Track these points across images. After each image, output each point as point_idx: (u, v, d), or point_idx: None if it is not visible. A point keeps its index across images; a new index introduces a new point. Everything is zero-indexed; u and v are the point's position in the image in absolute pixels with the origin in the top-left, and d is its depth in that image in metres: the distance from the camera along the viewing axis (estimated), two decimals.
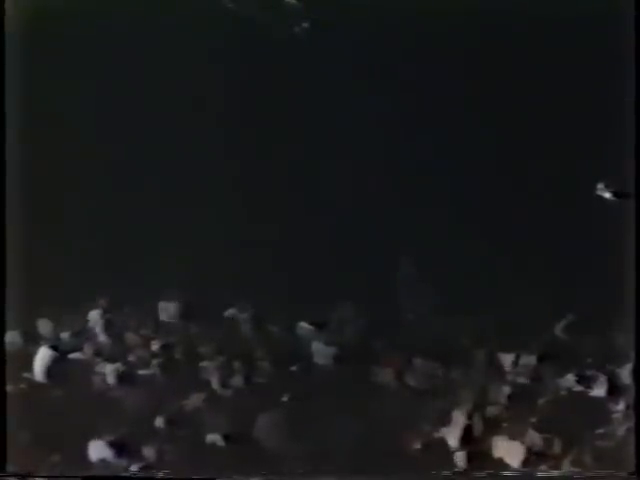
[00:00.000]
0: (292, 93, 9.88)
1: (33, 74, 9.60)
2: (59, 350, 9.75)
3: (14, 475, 9.29)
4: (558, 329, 9.62)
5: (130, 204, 9.88)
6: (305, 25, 9.85)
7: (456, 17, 9.70)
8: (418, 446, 9.43)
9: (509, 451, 9.38)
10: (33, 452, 9.44)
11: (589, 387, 9.57)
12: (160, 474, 9.32)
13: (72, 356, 9.77)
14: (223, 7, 9.90)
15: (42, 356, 9.72)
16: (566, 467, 9.36)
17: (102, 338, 9.83)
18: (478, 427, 9.50)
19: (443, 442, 9.47)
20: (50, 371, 9.71)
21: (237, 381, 9.65)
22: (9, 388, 9.43)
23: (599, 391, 9.55)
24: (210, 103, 9.83)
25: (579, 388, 9.58)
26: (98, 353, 9.78)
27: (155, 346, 9.78)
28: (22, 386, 9.64)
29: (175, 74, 9.79)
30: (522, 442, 9.39)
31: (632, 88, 9.45)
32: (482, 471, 9.40)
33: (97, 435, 9.43)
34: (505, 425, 9.50)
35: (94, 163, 9.79)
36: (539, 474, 9.35)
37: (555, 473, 9.33)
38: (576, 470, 9.34)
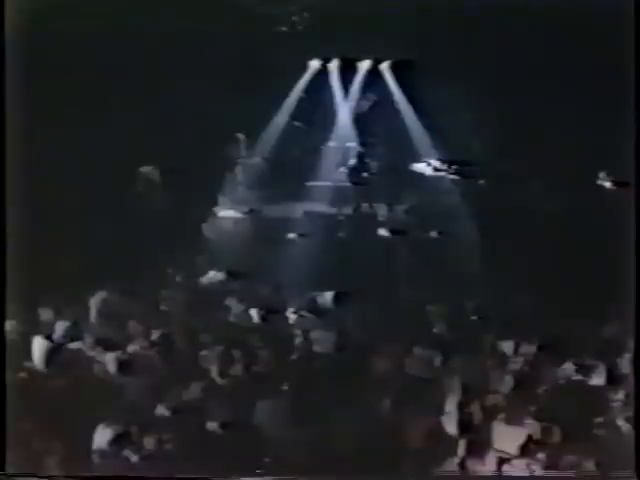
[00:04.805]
0: (291, 84, 9.92)
1: (33, 74, 9.62)
2: (54, 340, 9.80)
3: (14, 475, 9.34)
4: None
5: (131, 196, 9.93)
6: (305, 15, 9.90)
7: (455, 10, 9.70)
8: (418, 435, 9.46)
9: (508, 439, 9.42)
10: (33, 441, 9.50)
11: (588, 376, 9.60)
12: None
13: (72, 345, 9.83)
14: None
15: (38, 346, 9.75)
16: (564, 456, 9.41)
17: (102, 327, 9.88)
18: (478, 415, 9.54)
19: (443, 430, 9.50)
20: (48, 360, 9.76)
21: (237, 370, 9.72)
22: (9, 377, 9.47)
23: (598, 380, 9.57)
24: (210, 97, 9.84)
25: (578, 377, 9.60)
26: (98, 342, 9.84)
27: (155, 335, 9.84)
28: (22, 375, 9.70)
29: (175, 70, 9.78)
30: (521, 430, 9.43)
31: (632, 80, 9.46)
32: (482, 465, 9.47)
33: (97, 424, 9.48)
34: (504, 413, 9.53)
35: (95, 159, 9.79)
36: (539, 475, 9.40)
37: (565, 473, 9.38)
38: (576, 471, 9.39)
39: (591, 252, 9.56)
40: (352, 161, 10.06)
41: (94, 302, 9.89)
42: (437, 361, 9.67)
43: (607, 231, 9.50)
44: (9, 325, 9.64)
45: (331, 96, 9.97)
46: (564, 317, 9.57)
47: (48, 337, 9.77)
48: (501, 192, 9.85)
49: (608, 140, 9.64)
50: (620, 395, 9.51)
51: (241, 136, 9.99)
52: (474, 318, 9.75)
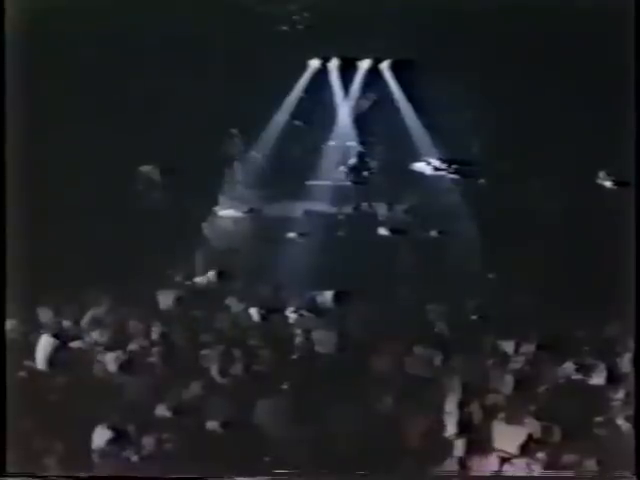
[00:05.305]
0: (291, 83, 9.92)
1: (33, 74, 9.61)
2: (60, 338, 9.80)
3: (15, 475, 9.33)
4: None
5: (131, 196, 9.93)
6: (305, 15, 9.91)
7: (455, 10, 9.71)
8: (418, 434, 9.47)
9: (509, 439, 9.42)
10: (33, 441, 9.49)
11: (588, 375, 9.60)
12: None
13: (73, 344, 9.83)
14: None
15: (44, 345, 9.76)
16: (564, 455, 9.42)
17: (102, 326, 9.88)
18: (478, 415, 9.54)
19: (443, 430, 9.50)
20: (52, 359, 9.76)
21: (237, 369, 9.72)
22: (9, 377, 9.45)
23: (598, 379, 9.58)
24: (210, 96, 9.83)
25: (578, 376, 9.61)
26: (98, 341, 9.83)
27: (155, 334, 9.84)
28: (22, 374, 9.69)
29: (175, 69, 9.78)
30: (521, 430, 9.43)
31: (632, 80, 9.46)
32: (482, 464, 9.48)
33: (97, 424, 9.48)
34: (505, 413, 9.54)
35: (95, 159, 9.79)
36: (539, 475, 9.40)
37: (565, 473, 9.38)
38: (575, 470, 9.39)
39: (591, 252, 9.56)
40: (352, 160, 10.07)
41: (94, 301, 9.91)
42: (437, 360, 9.67)
43: (607, 231, 9.51)
44: (9, 324, 9.64)
45: (331, 95, 9.97)
46: (564, 317, 9.58)
47: (55, 336, 9.78)
48: (501, 192, 9.86)
49: (608, 140, 9.64)
50: (620, 394, 9.52)
51: (234, 131, 9.99)
52: (474, 318, 9.76)
